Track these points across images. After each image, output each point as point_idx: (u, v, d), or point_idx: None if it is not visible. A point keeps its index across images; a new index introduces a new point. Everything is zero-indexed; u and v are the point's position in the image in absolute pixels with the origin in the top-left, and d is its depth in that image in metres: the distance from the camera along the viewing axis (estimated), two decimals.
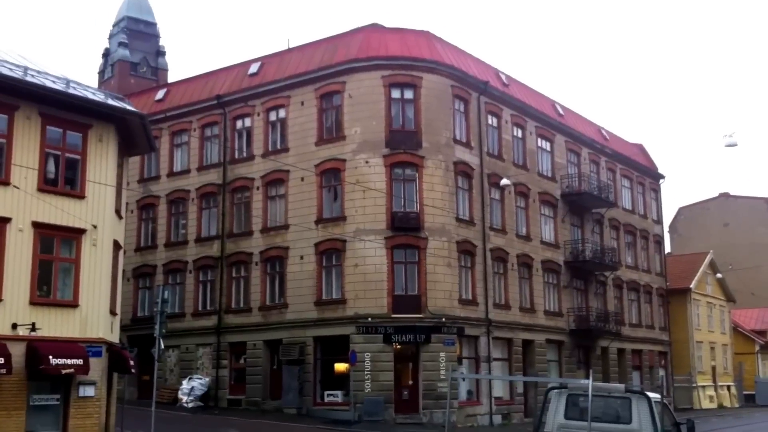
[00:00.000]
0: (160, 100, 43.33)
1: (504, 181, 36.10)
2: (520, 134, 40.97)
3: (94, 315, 21.21)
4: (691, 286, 57.93)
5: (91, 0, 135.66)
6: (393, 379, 32.78)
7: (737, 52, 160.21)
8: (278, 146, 37.20)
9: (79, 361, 19.95)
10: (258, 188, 37.34)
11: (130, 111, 22.83)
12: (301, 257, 35.17)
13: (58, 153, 21.25)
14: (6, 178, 19.95)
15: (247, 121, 38.59)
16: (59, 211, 20.62)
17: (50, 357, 19.30)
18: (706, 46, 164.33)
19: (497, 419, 35.71)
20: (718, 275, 62.61)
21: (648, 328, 51.83)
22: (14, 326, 19.51)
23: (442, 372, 32.57)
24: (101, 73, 74.32)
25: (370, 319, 32.95)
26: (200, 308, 38.76)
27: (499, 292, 37.73)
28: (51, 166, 21.15)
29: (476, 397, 35.48)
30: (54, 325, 20.29)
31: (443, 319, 33.43)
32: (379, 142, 34.40)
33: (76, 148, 21.51)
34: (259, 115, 38.00)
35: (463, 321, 34.54)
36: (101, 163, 21.88)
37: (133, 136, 24.04)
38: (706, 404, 57.30)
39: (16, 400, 19.27)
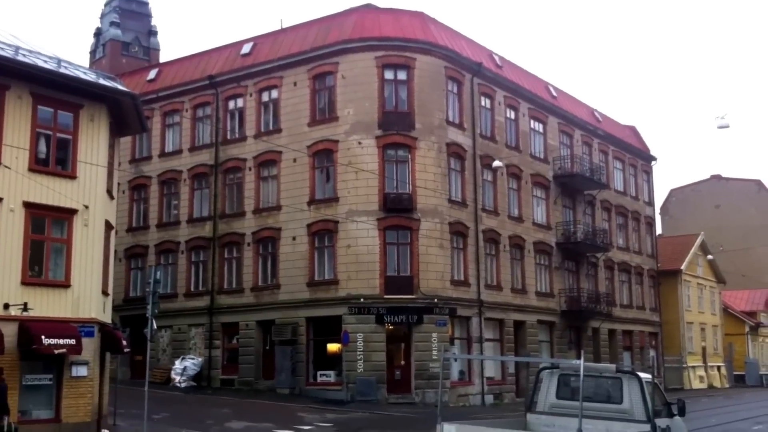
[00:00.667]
0: (151, 80, 43.11)
1: (496, 163, 36.14)
2: (513, 116, 40.94)
3: (86, 295, 21.19)
4: (682, 267, 58.23)
5: None
6: (385, 359, 32.91)
7: (729, 34, 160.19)
8: (271, 127, 37.10)
9: (72, 341, 19.94)
10: (250, 169, 37.26)
11: (121, 91, 22.71)
12: (294, 238, 35.18)
13: (50, 133, 21.14)
14: None
15: (240, 102, 38.45)
16: (50, 191, 20.54)
17: (43, 337, 19.28)
18: (698, 28, 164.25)
19: (489, 399, 35.91)
20: (709, 257, 62.95)
21: (639, 309, 52.09)
22: (6, 306, 19.48)
23: (434, 352, 32.71)
24: (93, 52, 73.84)
25: (362, 299, 33.03)
26: (193, 289, 38.77)
27: (491, 273, 37.83)
28: (42, 146, 21.04)
29: (468, 378, 35.65)
30: (46, 305, 20.26)
31: (435, 300, 33.52)
32: (372, 123, 34.34)
33: (67, 128, 21.40)
34: (251, 95, 37.86)
35: (455, 302, 34.65)
36: (92, 143, 21.78)
37: (125, 117, 23.92)
38: (696, 384, 57.75)
39: (9, 380, 19.26)
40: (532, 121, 42.55)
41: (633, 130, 57.30)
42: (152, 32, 74.04)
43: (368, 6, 37.30)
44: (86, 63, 68.20)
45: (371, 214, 33.60)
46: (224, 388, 35.72)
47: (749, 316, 71.43)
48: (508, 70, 41.91)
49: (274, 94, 37.25)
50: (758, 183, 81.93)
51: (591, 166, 46.10)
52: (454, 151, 35.95)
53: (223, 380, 36.54)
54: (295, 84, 36.38)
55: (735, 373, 66.14)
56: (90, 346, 21.00)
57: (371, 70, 34.70)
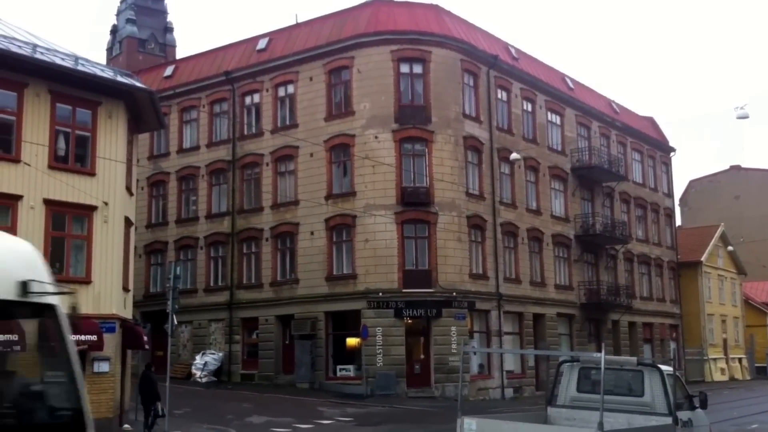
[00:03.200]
0: (168, 77, 43.25)
1: (514, 156, 35.99)
2: (529, 108, 40.76)
3: (106, 291, 21.32)
4: (702, 259, 57.81)
5: None
6: (404, 353, 32.92)
7: (748, 24, 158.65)
8: (287, 122, 37.14)
9: (93, 338, 20.05)
10: (267, 164, 37.32)
11: (139, 87, 22.80)
12: (312, 233, 35.21)
13: (68, 130, 21.25)
14: (17, 155, 19.97)
15: (256, 97, 38.51)
16: (70, 188, 20.65)
17: None
18: (716, 18, 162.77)
19: (509, 392, 35.84)
20: (729, 248, 62.41)
21: (659, 302, 51.80)
22: None
23: (454, 346, 32.67)
24: (109, 50, 74.14)
25: (381, 294, 33.03)
26: (212, 284, 38.93)
27: (509, 266, 37.73)
28: (61, 143, 21.17)
29: (488, 371, 35.60)
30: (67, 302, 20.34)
31: (454, 294, 33.47)
32: (388, 117, 34.29)
33: (86, 125, 21.51)
34: (267, 90, 37.90)
35: (473, 295, 34.58)
36: (111, 140, 21.88)
37: (143, 113, 24.03)
38: (717, 377, 57.37)
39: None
40: (549, 113, 42.35)
41: (651, 121, 56.91)
42: (168, 29, 74.23)
43: None
44: (103, 60, 68.52)
45: (389, 208, 33.57)
46: (244, 383, 35.86)
47: None
48: (525, 63, 41.71)
49: (291, 89, 37.27)
50: None
51: (609, 157, 45.84)
52: (471, 144, 35.85)
53: (243, 375, 36.70)
54: (311, 79, 36.38)
55: (756, 365, 65.64)
56: (111, 342, 21.13)
57: (387, 64, 34.64)
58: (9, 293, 5.48)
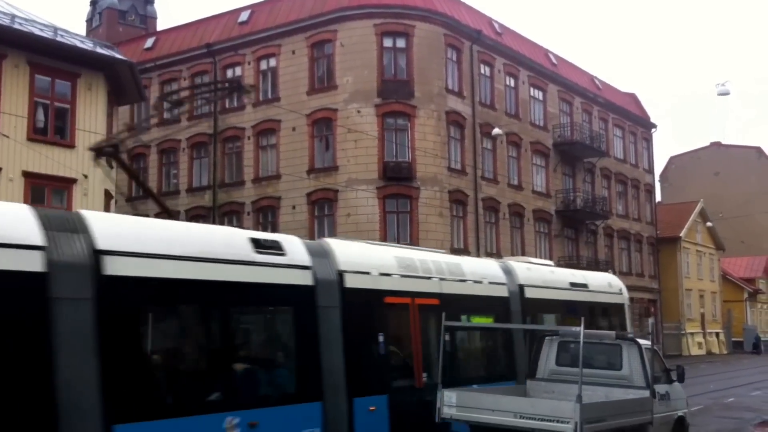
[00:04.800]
0: (149, 49, 42.83)
1: (496, 131, 36.02)
2: (512, 84, 40.75)
3: None
4: (681, 234, 58.36)
5: None
6: None
7: (731, 1, 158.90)
8: (269, 96, 36.94)
9: None
10: (249, 138, 37.17)
11: (118, 59, 22.63)
12: (294, 207, 35.18)
13: (47, 102, 21.09)
14: None
15: (238, 70, 38.23)
16: (49, 161, 20.53)
17: None
18: None
19: None
20: (708, 224, 63.06)
21: (638, 276, 52.25)
22: None
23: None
24: (89, 21, 73.19)
25: None
26: None
27: (490, 241, 37.89)
28: (40, 115, 21.02)
29: None
30: None
31: None
32: (371, 91, 34.19)
33: (65, 97, 21.35)
34: (249, 64, 37.65)
35: None
36: (91, 112, 21.73)
37: (123, 85, 23.85)
38: (695, 351, 58.12)
39: None
40: (531, 89, 42.37)
41: (633, 97, 57.07)
42: (149, 0, 73.41)
43: None
44: (83, 32, 67.71)
45: (371, 182, 33.57)
46: None
47: (748, 282, 71.72)
48: (508, 38, 41.64)
49: (273, 62, 37.03)
50: (758, 150, 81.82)
51: (591, 133, 46.00)
52: (454, 120, 35.84)
53: None
54: (293, 52, 36.16)
55: (733, 339, 66.52)
56: None
57: (370, 38, 34.47)
58: None
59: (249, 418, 9.56)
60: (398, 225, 33.94)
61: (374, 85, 34.21)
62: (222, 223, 37.75)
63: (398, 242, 33.57)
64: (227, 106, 38.29)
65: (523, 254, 40.00)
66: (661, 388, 14.15)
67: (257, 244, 10.48)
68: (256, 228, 36.54)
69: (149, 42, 43.87)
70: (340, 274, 11.76)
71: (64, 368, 7.87)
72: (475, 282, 15.06)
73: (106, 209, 23.11)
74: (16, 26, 20.17)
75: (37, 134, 20.65)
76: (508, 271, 16.28)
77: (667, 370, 15.08)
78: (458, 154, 36.21)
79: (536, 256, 40.90)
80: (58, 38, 21.10)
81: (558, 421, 11.05)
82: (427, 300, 13.51)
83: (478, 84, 37.83)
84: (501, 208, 38.53)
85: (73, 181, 21.02)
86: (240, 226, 36.91)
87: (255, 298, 10.54)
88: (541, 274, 17.54)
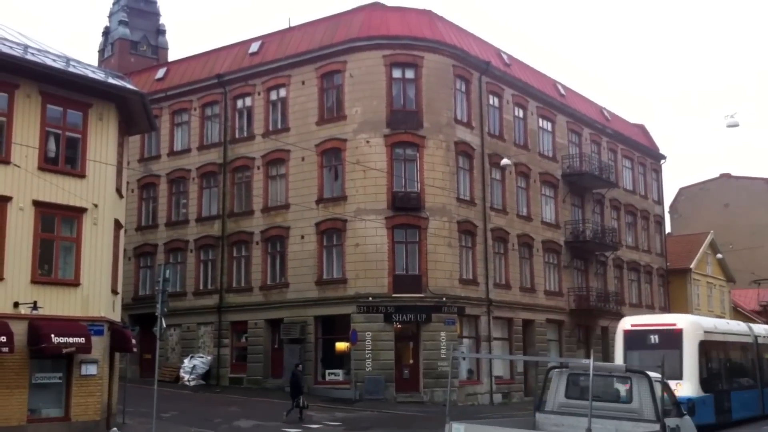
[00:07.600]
0: (160, 79, 43.18)
1: (505, 161, 36.02)
2: (521, 114, 40.86)
3: (95, 294, 21.22)
4: (692, 266, 57.99)
5: None
6: (394, 358, 32.89)
7: (739, 33, 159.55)
8: (279, 126, 37.12)
9: (81, 340, 19.97)
10: (259, 168, 37.29)
11: (130, 90, 22.74)
12: (302, 237, 35.19)
13: (59, 131, 21.17)
14: (6, 156, 19.87)
15: (248, 101, 38.48)
16: (60, 190, 20.57)
17: (52, 335, 19.31)
18: (707, 26, 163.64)
19: (497, 398, 35.86)
20: (719, 255, 62.65)
21: (648, 308, 51.89)
22: (16, 305, 19.51)
23: (443, 351, 32.67)
24: (101, 51, 74.09)
25: (371, 298, 33.02)
26: (201, 287, 38.84)
27: (499, 271, 37.78)
28: (51, 145, 21.08)
29: (477, 377, 35.60)
30: (56, 303, 20.30)
31: (444, 299, 33.49)
32: (380, 121, 34.32)
33: (76, 127, 21.43)
34: (259, 94, 37.89)
35: (463, 301, 34.61)
36: (102, 142, 21.81)
37: (134, 115, 23.96)
38: None
39: (18, 378, 19.32)
40: (540, 120, 42.46)
41: (642, 128, 57.11)
42: (160, 31, 74.24)
43: (376, 4, 37.26)
44: (95, 62, 68.41)
45: (379, 212, 33.59)
46: (233, 386, 35.77)
47: (759, 314, 71.07)
48: (517, 69, 41.82)
49: (282, 92, 37.27)
50: (767, 182, 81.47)
51: (600, 164, 45.97)
52: (463, 150, 35.91)
53: (231, 378, 36.59)
54: (303, 83, 36.39)
55: None
56: (99, 344, 21.04)
57: (379, 69, 34.68)
58: None
59: None
60: (407, 255, 33.90)
61: (383, 115, 34.35)
62: (231, 253, 37.82)
63: (407, 272, 33.60)
64: (237, 135, 38.49)
65: (532, 285, 39.93)
66: (671, 422, 14.01)
67: None
68: (264, 257, 36.58)
69: (160, 72, 44.23)
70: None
71: None
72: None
73: (116, 239, 23.15)
74: (29, 56, 20.32)
75: (48, 163, 20.71)
76: (749, 327, 29.20)
77: (678, 403, 14.95)
78: (467, 184, 36.22)
79: (546, 288, 40.93)
80: (71, 68, 21.22)
81: None
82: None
83: (487, 115, 37.94)
84: (510, 239, 38.45)
85: (84, 210, 21.06)
86: (249, 255, 37.00)
87: None
88: (764, 329, 30.56)
